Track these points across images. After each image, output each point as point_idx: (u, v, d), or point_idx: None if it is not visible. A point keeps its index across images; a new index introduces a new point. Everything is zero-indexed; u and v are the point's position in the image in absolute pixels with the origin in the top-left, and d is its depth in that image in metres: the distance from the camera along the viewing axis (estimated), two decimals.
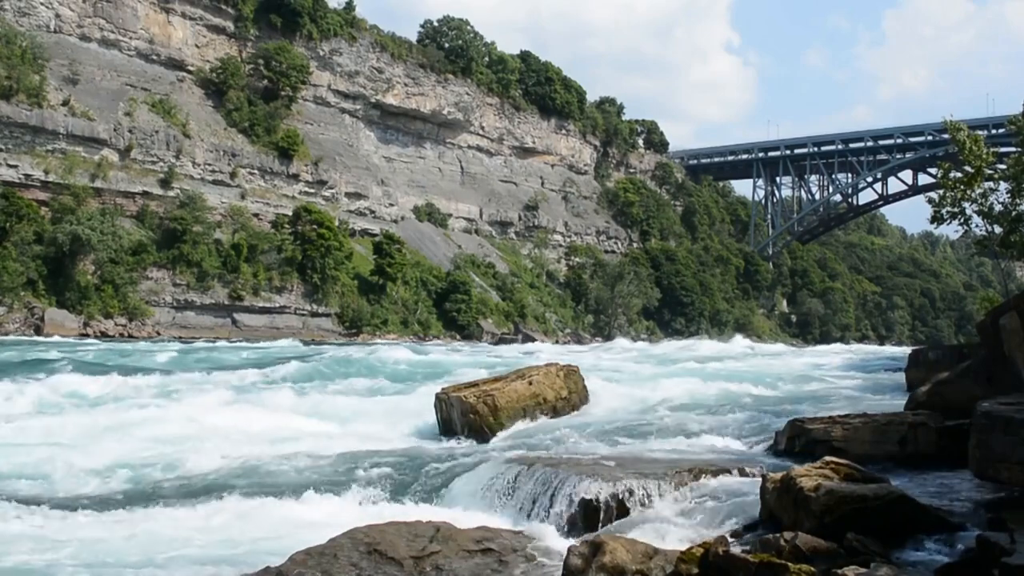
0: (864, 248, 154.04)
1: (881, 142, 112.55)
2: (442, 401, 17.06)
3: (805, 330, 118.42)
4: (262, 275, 67.32)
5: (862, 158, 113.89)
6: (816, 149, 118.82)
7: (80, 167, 60.81)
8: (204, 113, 73.49)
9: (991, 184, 25.20)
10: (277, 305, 68.17)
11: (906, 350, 40.35)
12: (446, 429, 16.72)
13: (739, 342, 65.12)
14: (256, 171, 74.07)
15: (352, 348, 45.35)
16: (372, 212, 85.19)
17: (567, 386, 18.14)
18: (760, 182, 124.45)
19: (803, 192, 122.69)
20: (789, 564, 6.19)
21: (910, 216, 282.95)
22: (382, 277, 75.22)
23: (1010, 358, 10.98)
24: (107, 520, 10.53)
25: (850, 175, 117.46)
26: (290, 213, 72.59)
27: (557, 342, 77.40)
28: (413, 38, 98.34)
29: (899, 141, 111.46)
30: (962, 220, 24.93)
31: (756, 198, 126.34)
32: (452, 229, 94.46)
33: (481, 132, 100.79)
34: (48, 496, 11.62)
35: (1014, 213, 24.11)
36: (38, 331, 51.74)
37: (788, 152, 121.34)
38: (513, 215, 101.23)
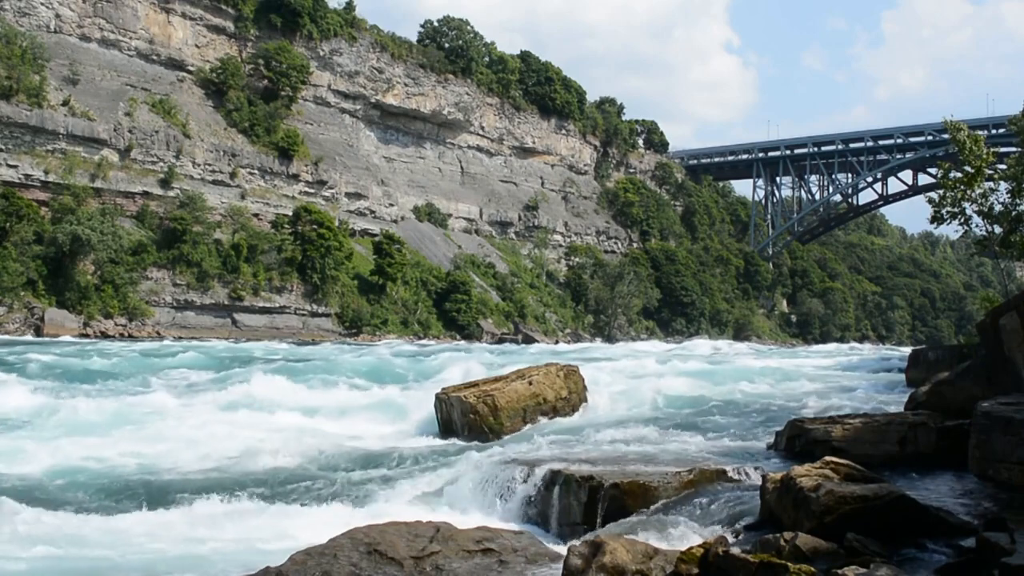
0: (864, 248, 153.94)
1: (881, 142, 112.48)
2: (442, 401, 17.07)
3: (805, 330, 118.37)
4: (262, 275, 67.31)
5: (862, 158, 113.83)
6: (816, 149, 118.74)
7: (80, 167, 60.82)
8: (204, 113, 73.49)
9: (991, 184, 25.15)
10: (277, 305, 68.15)
11: (906, 350, 40.44)
12: (446, 429, 16.73)
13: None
14: (256, 171, 74.07)
15: None
16: (372, 212, 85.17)
17: (567, 386, 18.15)
18: (760, 182, 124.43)
19: (803, 192, 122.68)
20: (789, 564, 6.18)
21: (910, 216, 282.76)
22: (382, 277, 75.20)
23: (1010, 358, 10.97)
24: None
25: (850, 175, 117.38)
26: (290, 213, 72.57)
27: (557, 342, 77.39)
28: (413, 38, 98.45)
29: (899, 141, 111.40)
30: (962, 220, 24.88)
31: (756, 198, 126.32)
32: (452, 229, 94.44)
33: (481, 132, 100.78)
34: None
35: (1014, 213, 24.06)
36: (38, 331, 51.75)
37: (788, 152, 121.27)
38: (513, 215, 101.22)
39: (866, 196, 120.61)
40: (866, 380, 27.86)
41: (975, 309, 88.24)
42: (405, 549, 7.67)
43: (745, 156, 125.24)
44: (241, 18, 78.11)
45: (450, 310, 78.62)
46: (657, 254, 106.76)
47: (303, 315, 69.88)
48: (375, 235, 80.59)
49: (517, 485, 10.67)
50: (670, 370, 29.26)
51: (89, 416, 17.11)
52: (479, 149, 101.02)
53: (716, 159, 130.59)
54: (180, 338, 56.31)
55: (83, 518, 10.42)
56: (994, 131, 72.94)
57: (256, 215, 71.41)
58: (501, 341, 74.07)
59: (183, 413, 18.08)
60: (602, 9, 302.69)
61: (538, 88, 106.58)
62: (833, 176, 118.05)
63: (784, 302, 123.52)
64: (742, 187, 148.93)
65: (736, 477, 10.38)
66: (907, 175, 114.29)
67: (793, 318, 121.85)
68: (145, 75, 70.55)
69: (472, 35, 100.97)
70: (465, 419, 16.29)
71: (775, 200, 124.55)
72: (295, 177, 76.97)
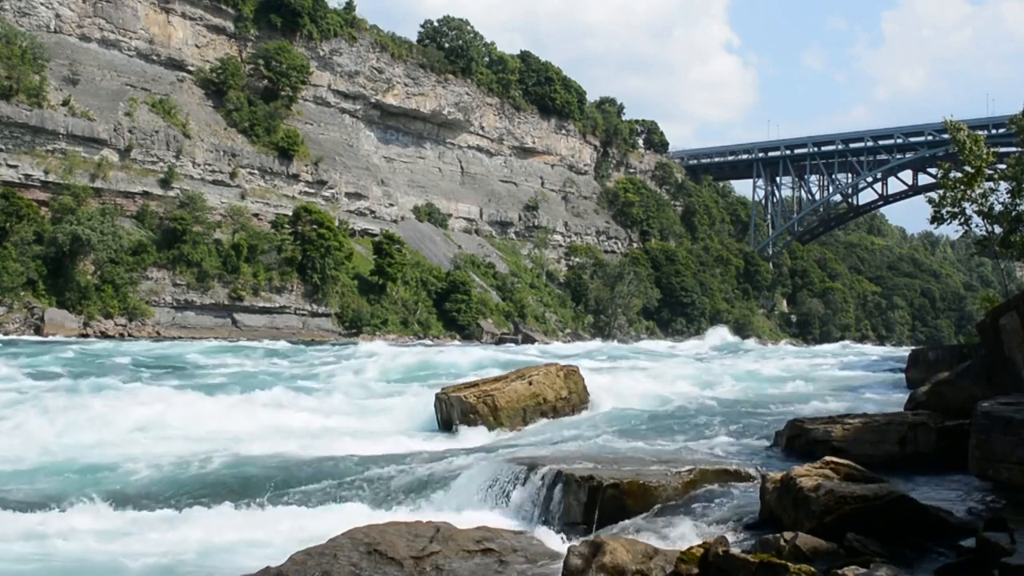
0: (864, 248, 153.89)
1: (881, 142, 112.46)
2: (442, 401, 17.08)
3: (805, 330, 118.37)
4: (262, 275, 67.31)
5: (862, 158, 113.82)
6: (816, 149, 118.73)
7: (80, 167, 60.82)
8: (204, 113, 73.48)
9: (991, 184, 25.18)
10: (277, 305, 68.16)
11: (906, 350, 40.50)
12: (446, 429, 16.72)
13: None
14: (256, 171, 74.07)
15: None
16: (372, 212, 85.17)
17: (567, 386, 18.15)
18: (760, 182, 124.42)
19: (803, 192, 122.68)
20: (789, 564, 6.18)
21: (910, 216, 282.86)
22: (382, 277, 75.20)
23: (1010, 358, 10.96)
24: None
25: (850, 175, 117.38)
26: (290, 213, 72.57)
27: (559, 340, 77.37)
28: (413, 38, 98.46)
29: (899, 141, 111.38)
30: (962, 220, 24.92)
31: (756, 198, 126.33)
32: (452, 229, 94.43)
33: (481, 132, 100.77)
34: None
35: (1014, 213, 24.08)
36: (38, 331, 51.73)
37: (788, 152, 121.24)
38: (513, 215, 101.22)
39: (866, 196, 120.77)
40: (866, 380, 27.88)
41: (975, 309, 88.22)
42: (405, 549, 7.67)
43: (745, 156, 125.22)
44: (241, 18, 78.11)
45: (450, 310, 78.62)
46: (657, 254, 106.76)
47: (303, 315, 69.88)
48: (375, 235, 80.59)
49: (517, 485, 10.66)
50: (670, 370, 29.28)
51: None
52: (479, 149, 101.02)
53: (716, 159, 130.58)
54: (179, 338, 56.30)
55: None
56: (994, 131, 72.89)
57: (256, 215, 71.41)
58: (501, 341, 74.02)
59: None
60: (602, 9, 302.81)
61: (538, 88, 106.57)
62: (833, 176, 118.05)
63: (784, 302, 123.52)
64: (742, 187, 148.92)
65: (736, 477, 10.39)
66: (907, 175, 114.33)
67: (793, 318, 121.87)
68: (145, 75, 70.54)
69: (472, 35, 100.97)
70: (465, 419, 16.29)
71: (775, 200, 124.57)
72: (295, 177, 76.97)
